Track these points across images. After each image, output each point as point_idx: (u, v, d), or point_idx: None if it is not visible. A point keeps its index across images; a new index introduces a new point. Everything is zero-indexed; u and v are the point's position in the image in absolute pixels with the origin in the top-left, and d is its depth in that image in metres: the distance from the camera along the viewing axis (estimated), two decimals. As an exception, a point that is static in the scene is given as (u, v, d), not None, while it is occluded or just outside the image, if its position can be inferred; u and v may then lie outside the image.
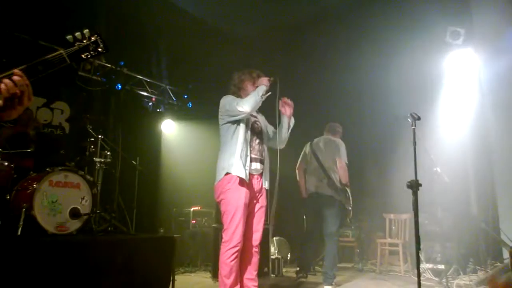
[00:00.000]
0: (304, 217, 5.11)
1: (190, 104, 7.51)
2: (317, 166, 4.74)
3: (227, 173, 3.04)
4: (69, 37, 1.51)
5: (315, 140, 4.98)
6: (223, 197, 3.06)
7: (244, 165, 3.05)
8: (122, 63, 6.21)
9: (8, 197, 3.84)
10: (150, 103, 7.10)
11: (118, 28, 6.02)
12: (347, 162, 4.72)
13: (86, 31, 1.53)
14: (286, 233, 6.30)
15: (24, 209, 3.55)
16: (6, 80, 1.30)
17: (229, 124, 3.18)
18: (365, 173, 6.80)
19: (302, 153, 5.02)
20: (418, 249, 3.06)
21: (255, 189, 3.15)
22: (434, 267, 5.21)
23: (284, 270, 5.49)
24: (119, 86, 6.24)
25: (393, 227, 5.94)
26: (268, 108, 3.46)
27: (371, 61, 6.04)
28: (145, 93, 6.87)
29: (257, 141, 3.25)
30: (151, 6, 6.18)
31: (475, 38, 5.69)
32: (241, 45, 6.58)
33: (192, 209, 6.15)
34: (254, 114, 3.35)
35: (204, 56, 6.57)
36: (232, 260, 2.98)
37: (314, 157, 4.81)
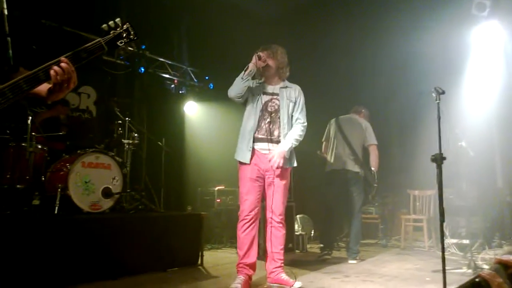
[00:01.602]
0: (328, 193, 5.15)
1: (212, 85, 7.58)
2: (343, 142, 4.77)
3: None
4: (104, 26, 1.61)
5: (341, 116, 5.00)
6: (239, 175, 3.33)
7: (247, 147, 3.24)
8: (144, 47, 6.30)
9: (43, 178, 4.04)
10: (173, 85, 7.20)
11: (139, 11, 6.08)
12: (376, 143, 4.77)
13: (118, 19, 1.63)
14: (309, 211, 6.38)
15: (59, 189, 3.73)
16: (56, 67, 1.42)
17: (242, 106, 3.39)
18: (389, 150, 6.77)
19: (327, 128, 5.05)
20: (442, 221, 3.07)
21: (265, 167, 3.23)
22: (459, 242, 5.20)
23: (308, 246, 5.59)
24: (142, 69, 6.36)
25: (418, 203, 5.94)
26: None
27: (395, 36, 5.93)
28: (167, 76, 6.96)
29: (267, 120, 3.28)
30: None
31: (501, 10, 5.51)
32: (263, 24, 6.55)
33: (216, 188, 6.28)
34: (275, 91, 3.38)
35: (225, 36, 6.57)
36: (242, 232, 3.20)
37: (340, 134, 4.83)
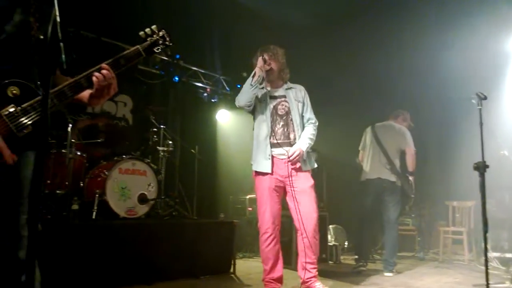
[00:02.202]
0: (363, 203, 5.01)
1: (243, 94, 7.61)
2: (379, 150, 4.65)
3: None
4: (141, 33, 1.66)
5: (378, 124, 4.88)
6: (255, 185, 3.19)
7: (265, 156, 3.08)
8: (178, 56, 6.42)
9: (82, 184, 4.15)
10: (205, 94, 7.29)
11: (172, 21, 6.21)
12: (415, 149, 4.63)
13: (154, 27, 1.68)
14: (342, 221, 6.25)
15: (97, 195, 3.82)
16: (97, 73, 1.46)
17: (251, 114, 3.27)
18: (426, 159, 6.56)
19: (363, 137, 4.95)
20: (485, 231, 2.95)
21: (284, 173, 3.07)
22: (501, 255, 4.97)
23: (342, 257, 5.47)
24: (177, 78, 6.48)
25: (457, 215, 5.71)
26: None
27: (434, 41, 5.79)
28: (200, 84, 7.06)
29: (281, 123, 3.15)
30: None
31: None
32: (294, 31, 6.55)
33: (248, 196, 6.27)
34: (281, 93, 3.24)
35: (257, 45, 6.60)
36: (266, 247, 3.04)
37: (376, 142, 4.72)
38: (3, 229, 1.34)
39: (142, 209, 4.08)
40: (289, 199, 3.13)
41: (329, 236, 5.68)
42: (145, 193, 4.12)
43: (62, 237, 3.11)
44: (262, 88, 3.19)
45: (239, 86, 7.63)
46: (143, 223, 3.93)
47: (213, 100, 7.48)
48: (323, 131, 6.18)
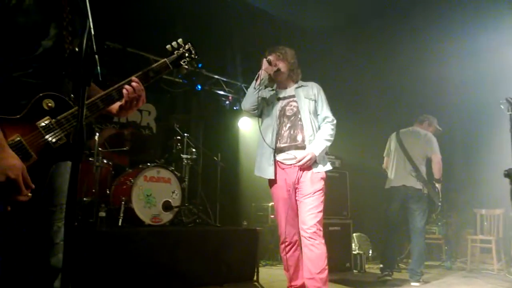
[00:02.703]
0: (388, 211, 4.91)
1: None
2: (404, 157, 4.58)
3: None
4: (168, 46, 1.71)
5: (402, 130, 4.81)
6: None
7: (268, 161, 2.92)
8: (201, 65, 6.51)
9: (108, 191, 4.24)
10: (227, 102, 7.34)
11: (194, 31, 6.31)
12: (439, 154, 4.54)
13: (180, 40, 1.73)
14: (367, 229, 6.16)
15: (123, 202, 3.90)
16: (127, 86, 1.53)
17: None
18: (452, 166, 6.41)
19: (388, 143, 4.88)
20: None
21: (292, 180, 2.86)
22: (532, 265, 4.79)
23: (366, 266, 5.38)
24: (199, 87, 6.56)
25: (485, 223, 5.54)
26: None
27: (461, 46, 5.67)
28: (222, 92, 7.12)
29: (288, 125, 2.93)
30: (223, 7, 6.37)
31: None
32: (316, 38, 6.55)
33: (270, 204, 6.25)
34: (290, 93, 3.04)
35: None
36: (285, 254, 2.92)
37: (401, 148, 4.65)
38: (36, 236, 1.39)
39: (167, 216, 4.13)
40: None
41: (353, 245, 5.60)
42: (170, 200, 4.18)
43: (89, 244, 3.17)
44: (273, 90, 3.06)
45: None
46: (168, 230, 3.98)
47: (235, 108, 7.52)
48: (347, 137, 6.15)
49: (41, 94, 1.36)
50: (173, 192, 4.23)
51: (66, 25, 1.43)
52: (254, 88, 2.93)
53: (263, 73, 2.95)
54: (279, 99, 3.01)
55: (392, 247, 4.73)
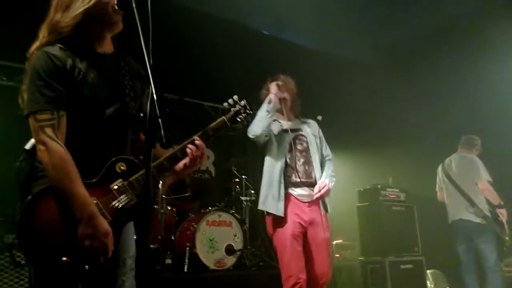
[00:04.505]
0: (456, 246, 4.48)
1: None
2: (454, 190, 4.29)
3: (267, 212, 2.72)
4: (225, 104, 1.80)
5: (446, 160, 4.55)
6: (273, 232, 2.75)
7: (278, 195, 2.65)
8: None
9: (173, 237, 4.35)
10: (283, 141, 7.38)
11: (244, 74, 6.52)
12: (490, 179, 4.17)
13: (235, 97, 1.81)
14: (441, 264, 5.72)
15: (188, 248, 3.97)
16: (191, 145, 1.61)
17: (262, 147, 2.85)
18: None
19: (437, 176, 4.62)
20: None
21: (308, 218, 2.68)
22: None
23: (444, 306, 4.97)
24: (254, 129, 6.68)
25: None
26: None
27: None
28: (277, 132, 7.19)
29: (302, 160, 2.78)
30: (268, 50, 6.55)
31: None
32: (365, 69, 6.50)
33: (334, 242, 6.05)
34: (297, 126, 2.92)
35: (328, 86, 6.64)
36: None
37: (449, 181, 4.39)
38: None
39: (230, 260, 4.13)
40: (305, 250, 2.69)
41: (428, 283, 5.21)
42: (232, 244, 4.19)
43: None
44: (275, 120, 2.88)
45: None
46: (232, 274, 3.97)
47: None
48: (411, 169, 5.88)
49: (113, 159, 1.47)
50: (235, 235, 4.25)
51: (128, 92, 1.55)
52: (267, 111, 2.73)
53: (274, 98, 2.79)
54: (287, 130, 2.85)
55: (469, 285, 4.32)
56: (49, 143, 1.36)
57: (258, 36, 5.88)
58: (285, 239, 2.63)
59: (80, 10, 1.47)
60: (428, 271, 5.42)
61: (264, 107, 2.75)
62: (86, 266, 1.34)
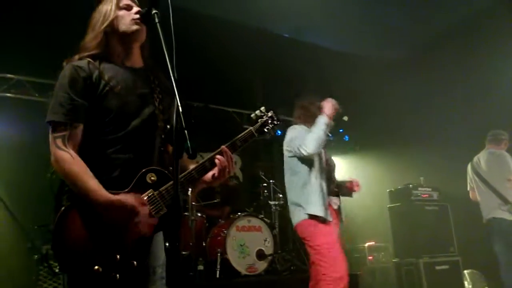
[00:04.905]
0: (493, 245, 4.33)
1: (347, 137, 7.50)
2: (485, 188, 4.15)
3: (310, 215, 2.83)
4: (253, 115, 1.82)
5: (475, 158, 4.41)
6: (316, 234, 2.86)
7: (324, 201, 2.84)
8: (280, 133, 6.69)
9: (204, 244, 4.40)
10: (309, 144, 7.34)
11: (268, 79, 6.54)
12: None
13: (262, 108, 1.82)
14: (480, 265, 5.52)
15: (219, 254, 4.00)
16: (219, 156, 1.63)
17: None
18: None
19: (467, 176, 4.48)
20: None
21: (336, 224, 3.02)
22: None
23: (485, 307, 4.79)
24: (279, 132, 6.67)
25: None
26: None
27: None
28: (302, 135, 7.16)
29: (332, 173, 3.15)
30: (290, 53, 6.54)
31: None
32: (390, 68, 6.40)
33: (366, 244, 5.96)
34: None
35: (354, 87, 6.56)
36: None
37: (479, 179, 4.25)
38: None
39: (261, 265, 4.14)
40: None
41: (465, 283, 5.05)
42: (263, 248, 4.20)
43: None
44: None
45: (341, 130, 7.56)
46: (263, 279, 3.97)
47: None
48: (443, 167, 5.72)
49: (144, 170, 1.51)
50: (265, 240, 4.26)
51: (158, 105, 1.58)
52: (328, 135, 2.93)
53: (331, 116, 2.96)
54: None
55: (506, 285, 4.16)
56: (57, 153, 1.45)
57: (280, 40, 5.88)
58: (333, 241, 2.80)
59: (101, 29, 1.58)
60: (465, 271, 5.25)
61: (322, 127, 2.88)
62: (117, 275, 1.38)
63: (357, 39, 6.20)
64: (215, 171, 1.63)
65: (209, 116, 6.01)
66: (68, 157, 1.44)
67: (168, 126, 1.55)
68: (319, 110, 3.01)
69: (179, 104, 1.20)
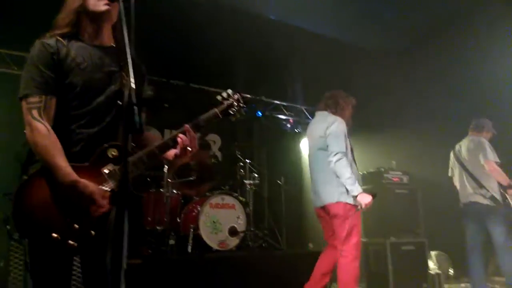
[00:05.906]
0: (465, 229, 4.54)
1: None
2: (464, 173, 4.34)
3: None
4: (218, 97, 1.87)
5: (457, 146, 4.58)
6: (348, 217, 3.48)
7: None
8: (261, 114, 6.76)
9: (179, 220, 4.49)
10: (289, 125, 7.44)
11: (253, 58, 6.54)
12: (498, 160, 4.17)
13: (229, 90, 1.88)
14: (446, 246, 5.76)
15: (192, 229, 4.10)
16: (181, 135, 1.68)
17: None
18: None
19: (450, 160, 4.65)
20: None
21: None
22: None
23: (446, 286, 5.03)
24: (260, 113, 6.75)
25: None
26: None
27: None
28: (283, 116, 7.25)
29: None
30: (280, 35, 6.54)
31: None
32: (376, 59, 6.46)
33: (338, 224, 6.12)
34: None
35: (337, 72, 6.61)
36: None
37: (459, 164, 4.43)
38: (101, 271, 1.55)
39: (233, 242, 4.26)
40: None
41: (431, 263, 5.28)
42: (235, 225, 4.31)
43: (161, 271, 3.38)
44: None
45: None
46: (234, 255, 4.10)
47: (296, 131, 7.59)
48: (414, 152, 5.87)
49: (106, 144, 1.57)
50: (238, 218, 4.37)
51: (124, 82, 1.63)
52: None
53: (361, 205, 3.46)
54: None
55: (477, 268, 4.35)
56: (33, 123, 1.50)
57: (267, 21, 5.85)
58: (359, 225, 3.50)
59: (72, 8, 1.64)
60: (432, 253, 5.48)
61: (349, 187, 3.38)
62: (71, 242, 1.45)
63: (344, 26, 6.21)
64: (178, 150, 1.69)
65: (190, 95, 6.02)
66: (43, 129, 1.49)
67: (119, 102, 1.60)
68: (350, 108, 3.80)
69: (132, 80, 1.26)
